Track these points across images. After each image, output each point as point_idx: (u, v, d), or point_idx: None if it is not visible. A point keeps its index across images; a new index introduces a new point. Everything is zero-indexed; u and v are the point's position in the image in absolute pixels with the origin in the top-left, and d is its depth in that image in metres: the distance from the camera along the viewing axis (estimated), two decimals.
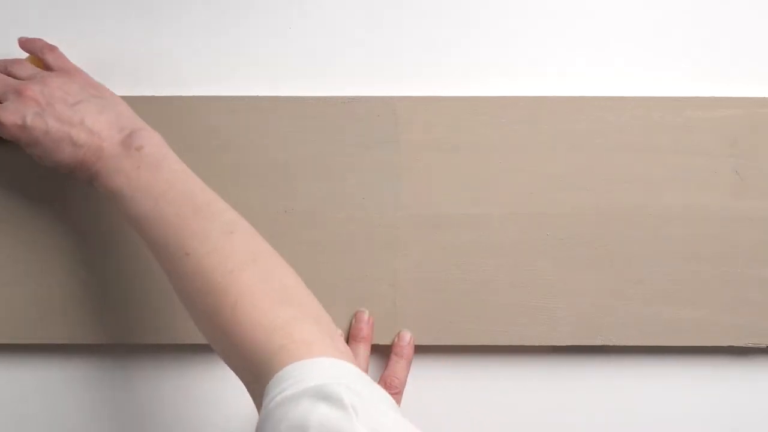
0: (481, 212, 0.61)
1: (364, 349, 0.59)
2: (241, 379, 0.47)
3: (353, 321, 0.60)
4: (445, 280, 0.61)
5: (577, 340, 0.61)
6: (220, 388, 0.63)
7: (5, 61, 0.60)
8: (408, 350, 0.60)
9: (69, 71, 0.59)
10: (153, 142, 0.54)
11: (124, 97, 0.62)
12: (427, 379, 0.62)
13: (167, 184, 0.52)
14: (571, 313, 0.61)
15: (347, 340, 0.60)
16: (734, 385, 0.62)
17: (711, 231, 0.61)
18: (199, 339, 0.52)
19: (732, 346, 0.61)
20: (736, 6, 0.65)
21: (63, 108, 0.54)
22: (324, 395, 0.39)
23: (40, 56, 0.60)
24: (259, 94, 0.62)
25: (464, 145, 0.62)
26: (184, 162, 0.61)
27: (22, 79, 0.57)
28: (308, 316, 0.46)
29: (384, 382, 0.59)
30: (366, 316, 0.60)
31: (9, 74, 0.58)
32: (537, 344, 0.61)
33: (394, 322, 0.61)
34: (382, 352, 0.61)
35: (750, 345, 0.61)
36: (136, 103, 0.62)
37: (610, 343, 0.61)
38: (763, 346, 0.61)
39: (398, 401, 0.60)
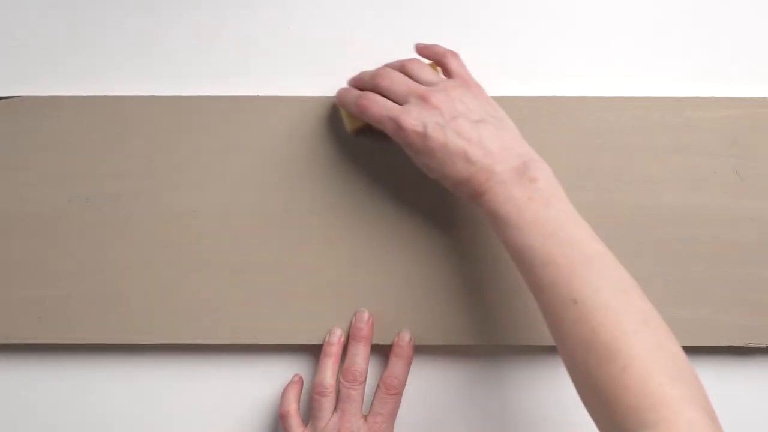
0: (482, 212, 0.61)
1: (364, 349, 0.59)
2: (598, 424, 0.46)
3: (353, 321, 0.60)
4: (445, 280, 0.61)
5: None
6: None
7: (401, 60, 0.58)
8: (408, 350, 0.60)
9: (468, 82, 0.56)
10: (547, 175, 0.52)
11: (122, 97, 0.63)
12: (427, 379, 0.62)
13: (557, 224, 0.50)
14: None
15: (347, 340, 0.61)
16: (734, 385, 0.62)
17: (711, 231, 0.61)
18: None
19: (732, 346, 0.61)
20: (736, 6, 0.65)
21: (465, 123, 0.53)
22: None
23: (441, 61, 0.58)
24: (259, 94, 0.62)
25: None
26: (184, 161, 0.62)
27: (422, 83, 0.56)
28: (696, 397, 0.45)
29: (384, 382, 0.59)
30: (366, 316, 0.60)
31: (406, 74, 0.57)
32: (537, 344, 0.61)
33: (394, 322, 0.61)
34: (382, 352, 0.61)
35: (750, 345, 0.60)
36: (135, 102, 0.62)
37: None
38: (763, 346, 0.61)
39: (398, 402, 0.60)
